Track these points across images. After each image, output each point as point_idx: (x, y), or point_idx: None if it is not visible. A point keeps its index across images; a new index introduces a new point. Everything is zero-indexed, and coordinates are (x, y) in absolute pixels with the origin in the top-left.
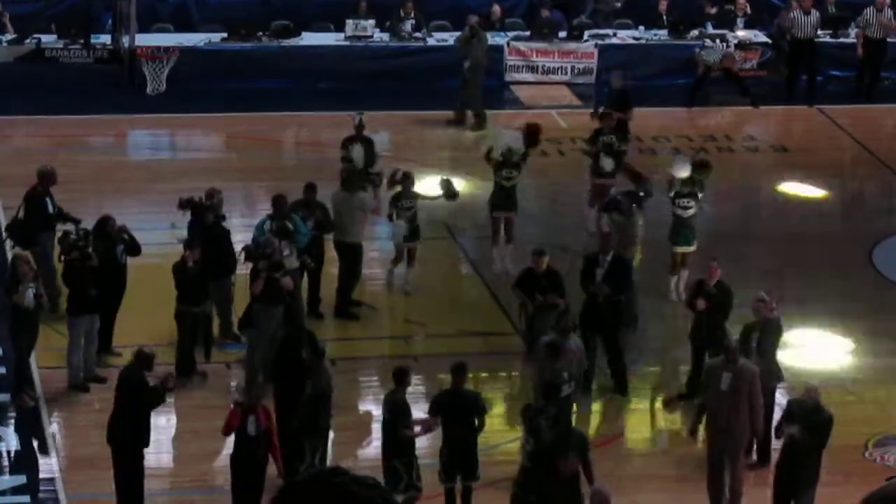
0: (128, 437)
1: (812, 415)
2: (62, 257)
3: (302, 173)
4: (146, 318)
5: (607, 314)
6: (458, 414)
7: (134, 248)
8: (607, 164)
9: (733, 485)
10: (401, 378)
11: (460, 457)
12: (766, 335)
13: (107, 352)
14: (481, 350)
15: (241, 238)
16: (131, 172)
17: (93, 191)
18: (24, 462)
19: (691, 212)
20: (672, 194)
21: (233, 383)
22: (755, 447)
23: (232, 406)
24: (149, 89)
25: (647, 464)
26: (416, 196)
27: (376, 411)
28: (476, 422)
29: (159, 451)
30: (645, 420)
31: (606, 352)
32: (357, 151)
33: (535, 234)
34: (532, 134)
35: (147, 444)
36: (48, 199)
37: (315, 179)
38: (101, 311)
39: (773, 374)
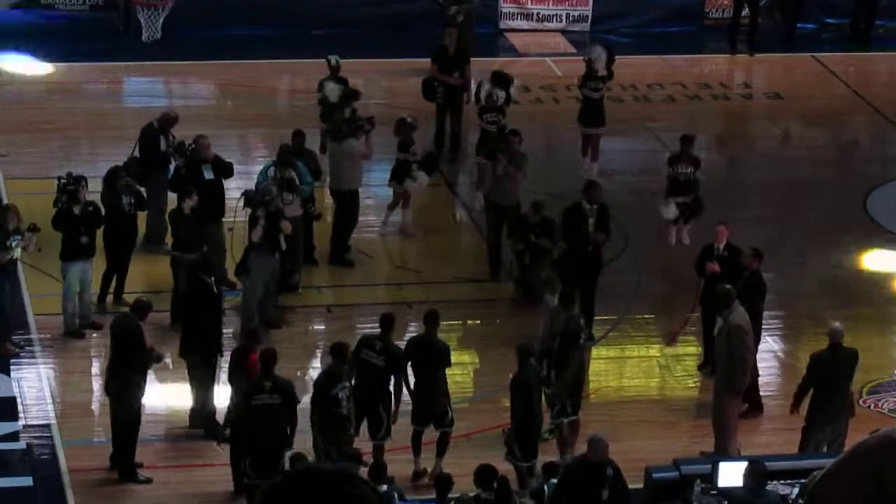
0: (123, 387)
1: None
2: (55, 204)
3: (296, 121)
4: (141, 264)
5: (596, 262)
6: (424, 363)
7: (141, 203)
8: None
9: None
10: (388, 325)
11: (426, 405)
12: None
13: (119, 302)
14: (474, 296)
15: (235, 185)
16: (126, 119)
17: (87, 137)
18: (17, 408)
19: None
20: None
21: (228, 330)
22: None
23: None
24: (144, 36)
25: (643, 411)
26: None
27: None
28: (439, 372)
29: (153, 397)
30: (640, 367)
31: (583, 297)
32: (331, 89)
33: (529, 180)
34: (500, 78)
35: (142, 394)
36: (162, 137)
37: (309, 127)
38: (112, 261)
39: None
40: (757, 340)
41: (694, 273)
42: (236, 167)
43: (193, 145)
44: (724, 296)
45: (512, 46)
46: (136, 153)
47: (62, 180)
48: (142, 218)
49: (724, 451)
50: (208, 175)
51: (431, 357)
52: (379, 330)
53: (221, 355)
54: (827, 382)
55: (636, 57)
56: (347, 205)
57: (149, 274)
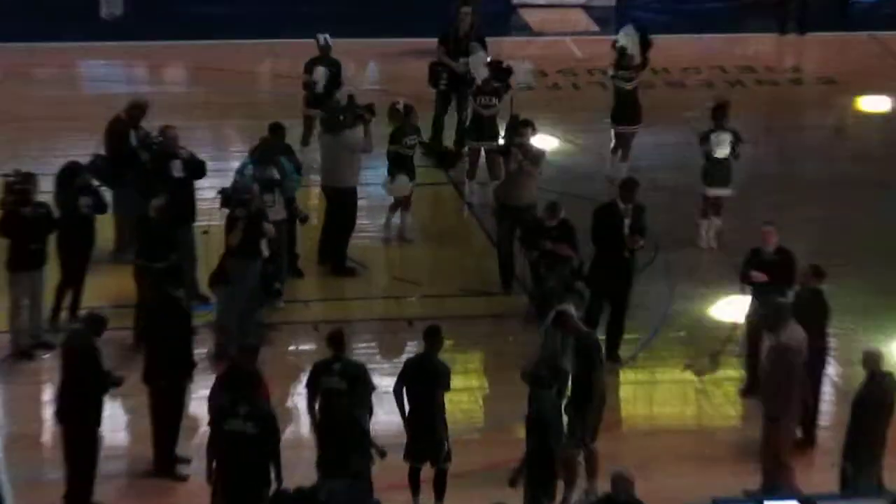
0: (78, 413)
1: None
2: (1, 206)
3: (280, 110)
4: (100, 275)
5: (629, 270)
6: (421, 385)
7: (100, 206)
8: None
9: (776, 455)
10: (338, 342)
11: (423, 435)
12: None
13: (74, 318)
14: (483, 312)
15: (209, 184)
16: (84, 108)
17: (40, 129)
18: None
19: (725, 151)
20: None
21: (201, 350)
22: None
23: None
24: (103, 13)
25: (676, 443)
26: (419, 130)
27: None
28: (437, 397)
29: (114, 429)
30: (673, 393)
31: (613, 312)
32: (320, 73)
33: (544, 178)
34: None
35: (99, 423)
36: (132, 130)
37: (295, 117)
38: (66, 271)
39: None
40: (822, 367)
41: (736, 284)
42: (210, 163)
43: (160, 138)
44: (776, 311)
45: (526, 25)
46: (103, 150)
47: (9, 178)
48: (106, 223)
49: (774, 489)
50: (177, 172)
51: (428, 378)
52: (331, 351)
53: (191, 380)
54: (866, 416)
55: (669, 37)
56: (343, 205)
57: (109, 286)
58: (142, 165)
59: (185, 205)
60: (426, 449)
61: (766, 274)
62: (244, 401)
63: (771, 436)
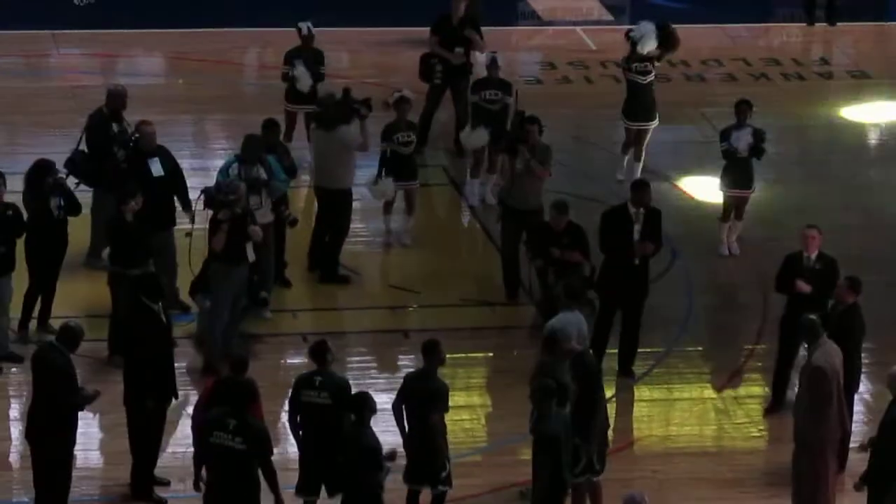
0: (49, 431)
1: None
2: None
3: (266, 104)
4: (73, 282)
5: (642, 278)
6: (418, 404)
7: (73, 207)
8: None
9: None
10: (321, 355)
11: (420, 456)
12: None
13: (43, 328)
14: (486, 323)
15: (191, 183)
16: (53, 102)
17: (3, 125)
18: None
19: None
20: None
21: (181, 364)
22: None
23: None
24: None
25: (694, 466)
26: (415, 126)
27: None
28: (433, 418)
29: (87, 449)
30: (692, 412)
31: (626, 324)
32: (301, 70)
33: (552, 178)
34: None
35: (73, 442)
36: (114, 124)
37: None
38: (36, 277)
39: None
40: (854, 388)
41: (761, 293)
42: (192, 161)
43: (136, 134)
44: (808, 328)
45: (534, 12)
46: (83, 146)
47: None
48: (80, 225)
49: None
50: (156, 170)
51: (425, 398)
52: (315, 364)
53: (176, 397)
54: (891, 439)
55: (688, 26)
56: (336, 208)
57: (82, 294)
58: (117, 164)
59: (164, 206)
60: (425, 470)
61: (807, 283)
62: (233, 414)
63: (801, 465)
